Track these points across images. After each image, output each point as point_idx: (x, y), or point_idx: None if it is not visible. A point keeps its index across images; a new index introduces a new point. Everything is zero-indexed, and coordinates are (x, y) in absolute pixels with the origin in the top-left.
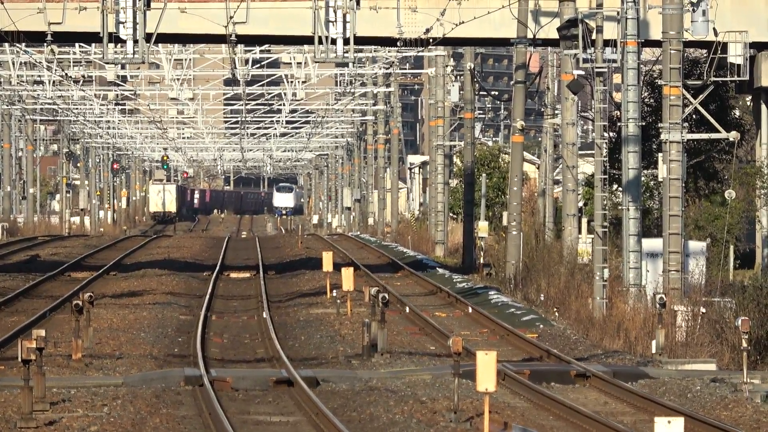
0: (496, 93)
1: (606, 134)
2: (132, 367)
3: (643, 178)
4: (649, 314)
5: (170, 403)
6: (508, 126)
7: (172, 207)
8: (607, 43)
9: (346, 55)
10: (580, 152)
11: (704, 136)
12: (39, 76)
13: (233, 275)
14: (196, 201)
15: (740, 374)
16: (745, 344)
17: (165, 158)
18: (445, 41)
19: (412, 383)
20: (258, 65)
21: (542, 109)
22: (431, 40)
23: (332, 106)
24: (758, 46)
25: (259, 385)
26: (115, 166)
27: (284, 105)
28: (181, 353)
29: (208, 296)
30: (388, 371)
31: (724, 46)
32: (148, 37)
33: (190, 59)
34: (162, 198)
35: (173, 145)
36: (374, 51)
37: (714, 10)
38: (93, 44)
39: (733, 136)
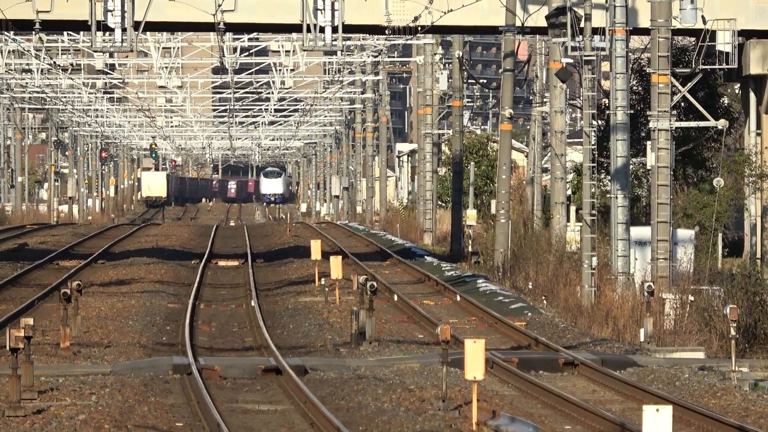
0: (485, 81)
1: (594, 122)
2: (120, 356)
3: (631, 166)
4: (637, 302)
5: (158, 392)
6: (497, 114)
7: (162, 192)
8: (595, 31)
9: (334, 43)
10: (569, 140)
11: (693, 124)
12: (27, 64)
13: (221, 263)
14: (232, 190)
15: (728, 362)
16: (733, 332)
17: (153, 146)
18: (433, 29)
19: (400, 371)
20: (246, 53)
21: (531, 97)
22: (419, 28)
23: (321, 95)
24: (747, 34)
25: (247, 373)
26: (103, 154)
27: (272, 93)
28: (169, 342)
29: (196, 284)
30: (376, 359)
31: (713, 34)
32: (136, 26)
33: (178, 47)
34: (156, 183)
35: (161, 133)
36: (363, 39)
37: None
38: (81, 32)
39: (722, 124)
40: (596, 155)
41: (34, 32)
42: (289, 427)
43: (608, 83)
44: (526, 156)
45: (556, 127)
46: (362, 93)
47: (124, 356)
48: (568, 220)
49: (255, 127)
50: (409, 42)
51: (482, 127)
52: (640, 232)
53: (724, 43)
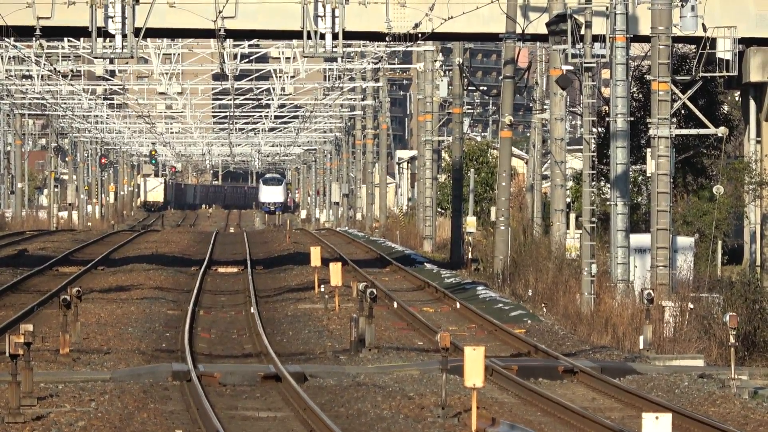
0: (485, 88)
1: (594, 129)
2: (120, 362)
3: (631, 174)
4: (636, 310)
5: (158, 399)
6: (497, 121)
7: (159, 198)
8: (595, 38)
9: (334, 49)
10: (569, 147)
11: (693, 131)
12: (27, 70)
13: (221, 270)
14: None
15: (728, 370)
16: (733, 340)
17: (153, 153)
18: (433, 36)
19: (399, 379)
20: (247, 60)
21: (531, 105)
22: (420, 35)
23: (321, 101)
24: (747, 42)
25: (246, 380)
26: (103, 160)
27: (273, 100)
28: (168, 348)
29: (195, 291)
30: (376, 367)
31: (713, 42)
32: (136, 32)
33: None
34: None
35: (161, 139)
36: (363, 46)
37: (703, 6)
38: (82, 39)
39: (722, 131)
40: (596, 162)
41: (34, 38)
42: None
43: (608, 90)
44: (526, 163)
45: (556, 135)
46: (362, 100)
47: (124, 363)
48: (567, 227)
49: (255, 134)
50: (409, 49)
51: (482, 134)
52: (639, 239)
53: (724, 50)
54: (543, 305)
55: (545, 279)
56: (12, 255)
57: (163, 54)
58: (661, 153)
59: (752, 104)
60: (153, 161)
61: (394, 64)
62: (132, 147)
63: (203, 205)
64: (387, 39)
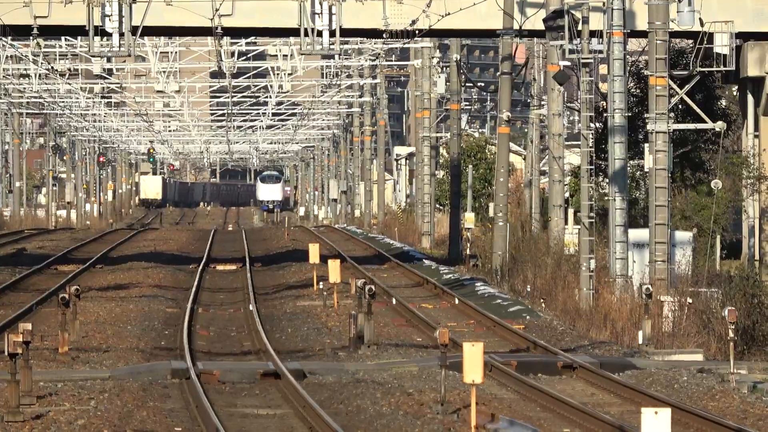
0: (483, 84)
1: (592, 125)
2: (119, 361)
3: (629, 169)
4: (635, 305)
5: (157, 397)
6: (495, 117)
7: (158, 195)
8: (593, 33)
9: (332, 47)
10: (567, 143)
11: (690, 126)
12: (25, 69)
13: (220, 268)
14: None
15: (727, 364)
16: (731, 334)
17: (151, 151)
18: (431, 33)
19: (399, 375)
20: (244, 57)
21: (528, 100)
22: (417, 32)
23: (318, 98)
24: (744, 36)
25: (246, 377)
26: (101, 159)
27: (270, 97)
28: (167, 346)
29: (194, 289)
30: (375, 363)
31: (710, 37)
32: (134, 30)
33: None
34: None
35: (159, 137)
36: (360, 43)
37: (700, 1)
38: (79, 37)
39: (720, 126)
40: (594, 158)
41: (31, 37)
42: None
43: (606, 86)
44: (524, 159)
45: (554, 130)
46: (360, 96)
47: (123, 361)
48: (566, 222)
49: (253, 131)
50: (406, 46)
51: (480, 130)
52: (638, 234)
53: (721, 45)
54: (542, 301)
55: (544, 274)
56: (11, 254)
57: (161, 52)
58: (659, 148)
59: (750, 99)
60: (151, 159)
61: (392, 60)
62: (130, 145)
63: (201, 203)
64: (384, 36)
